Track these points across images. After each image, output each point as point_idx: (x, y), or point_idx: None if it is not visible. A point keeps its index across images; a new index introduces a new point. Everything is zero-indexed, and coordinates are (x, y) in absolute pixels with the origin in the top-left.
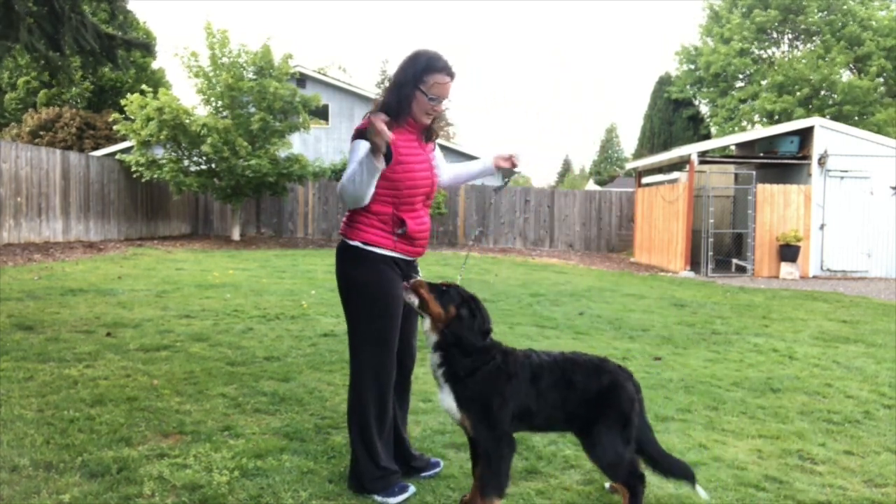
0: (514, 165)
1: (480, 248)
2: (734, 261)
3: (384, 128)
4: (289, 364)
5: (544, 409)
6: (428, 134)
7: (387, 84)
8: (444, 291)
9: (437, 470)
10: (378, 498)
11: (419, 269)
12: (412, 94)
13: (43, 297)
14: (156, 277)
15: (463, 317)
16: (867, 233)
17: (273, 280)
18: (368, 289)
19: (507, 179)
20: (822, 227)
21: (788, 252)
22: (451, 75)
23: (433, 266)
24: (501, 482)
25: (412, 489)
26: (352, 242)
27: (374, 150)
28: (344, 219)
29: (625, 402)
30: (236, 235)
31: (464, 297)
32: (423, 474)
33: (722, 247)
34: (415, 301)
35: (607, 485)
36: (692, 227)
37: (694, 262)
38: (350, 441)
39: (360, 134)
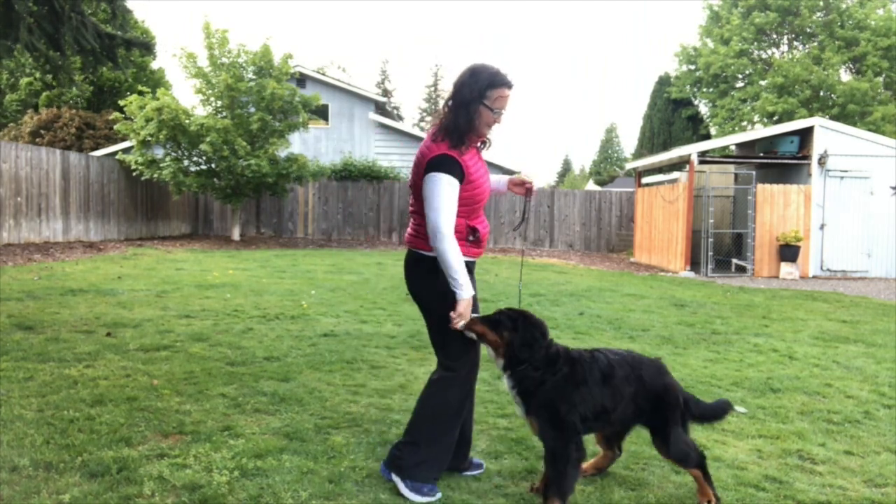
0: (528, 193)
1: None
2: (734, 261)
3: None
4: (289, 364)
5: (620, 404)
6: (482, 144)
7: (445, 104)
8: (497, 321)
9: (479, 471)
10: (402, 487)
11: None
12: (477, 109)
13: (43, 297)
14: (156, 277)
15: (514, 339)
16: (867, 233)
17: (273, 280)
18: (452, 295)
19: (527, 210)
20: (822, 227)
21: (788, 252)
22: (510, 87)
23: None
24: (565, 485)
25: (440, 494)
26: (428, 254)
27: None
28: (411, 230)
29: (676, 401)
30: (236, 235)
31: (513, 319)
32: (465, 473)
33: (722, 247)
34: (474, 336)
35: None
36: (692, 227)
37: (694, 262)
38: (411, 428)
39: (443, 167)
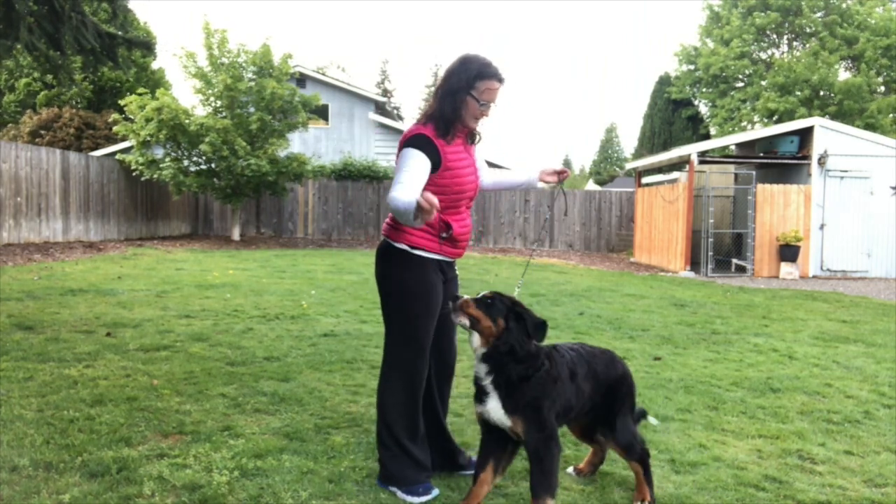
0: (560, 179)
1: (480, 249)
2: (734, 261)
3: (434, 206)
4: (289, 364)
5: (580, 401)
6: (471, 137)
7: (435, 91)
8: (490, 304)
9: None
10: (399, 493)
11: (456, 269)
12: (464, 99)
13: (43, 297)
14: (156, 277)
15: (512, 327)
16: (867, 233)
17: (273, 280)
18: (412, 291)
19: (556, 194)
20: (821, 227)
21: (788, 252)
22: (500, 81)
23: None
24: (552, 482)
25: (436, 491)
26: (397, 245)
27: (417, 217)
28: (388, 220)
29: (632, 389)
30: (236, 235)
31: (508, 306)
32: (464, 472)
33: (722, 247)
34: (465, 322)
35: (570, 469)
36: (692, 227)
37: (694, 262)
38: (377, 437)
39: (412, 143)
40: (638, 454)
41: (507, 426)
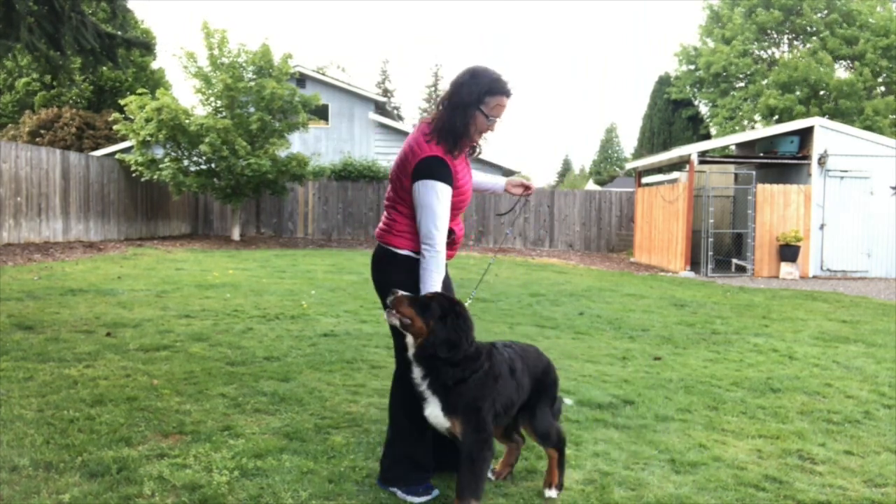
0: (526, 193)
1: (480, 248)
2: (734, 261)
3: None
4: (289, 364)
5: (521, 396)
6: (472, 150)
7: (440, 102)
8: (426, 305)
9: None
10: (400, 493)
11: (448, 269)
12: (473, 114)
13: (43, 297)
14: (156, 277)
15: (440, 330)
16: (867, 233)
17: (273, 280)
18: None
19: (519, 206)
20: (821, 227)
21: (788, 252)
22: (509, 96)
23: None
24: (481, 485)
25: (436, 491)
26: (401, 251)
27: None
28: (383, 225)
29: (556, 381)
30: (236, 235)
31: (445, 308)
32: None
33: (722, 247)
34: (396, 322)
35: (491, 476)
36: (692, 227)
37: (694, 262)
38: (387, 436)
39: (436, 173)
40: (554, 442)
41: (446, 427)
